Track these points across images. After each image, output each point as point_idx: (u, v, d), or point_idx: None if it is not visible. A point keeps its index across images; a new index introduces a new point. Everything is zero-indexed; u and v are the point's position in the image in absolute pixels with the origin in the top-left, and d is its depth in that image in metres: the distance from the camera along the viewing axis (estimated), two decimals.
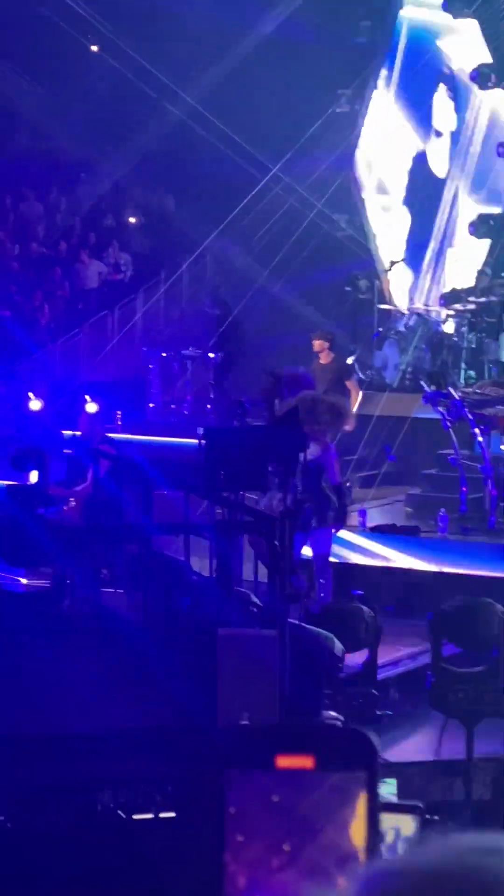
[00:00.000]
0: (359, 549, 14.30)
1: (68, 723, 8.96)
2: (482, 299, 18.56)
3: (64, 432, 17.41)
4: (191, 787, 8.55)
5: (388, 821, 3.61)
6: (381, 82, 21.52)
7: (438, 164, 21.57)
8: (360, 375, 18.56)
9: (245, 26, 22.03)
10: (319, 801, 1.37)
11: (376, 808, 1.39)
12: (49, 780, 8.74)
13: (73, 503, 13.84)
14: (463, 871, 1.15)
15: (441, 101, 21.52)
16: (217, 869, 1.32)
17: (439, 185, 21.54)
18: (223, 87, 20.70)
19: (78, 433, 15.38)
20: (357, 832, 1.38)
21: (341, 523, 13.07)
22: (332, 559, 13.12)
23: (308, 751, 1.38)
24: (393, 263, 20.36)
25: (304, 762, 1.37)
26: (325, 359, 16.04)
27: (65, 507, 13.87)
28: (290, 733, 1.39)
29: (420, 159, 21.58)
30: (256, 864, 1.33)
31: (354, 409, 15.26)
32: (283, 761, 1.37)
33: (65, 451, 15.65)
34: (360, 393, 16.15)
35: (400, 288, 20.83)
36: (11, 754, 8.72)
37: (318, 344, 16.03)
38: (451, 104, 21.49)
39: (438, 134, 21.53)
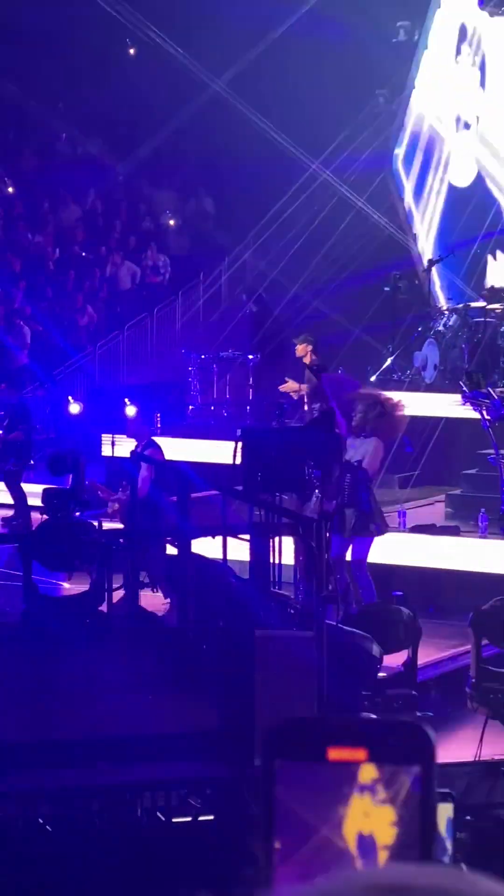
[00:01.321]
0: (399, 549, 14.24)
1: (107, 726, 8.94)
2: None
3: (104, 436, 17.42)
4: (230, 789, 8.52)
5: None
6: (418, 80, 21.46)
7: (462, 165, 21.42)
8: (400, 375, 18.55)
9: (282, 25, 22.00)
10: (372, 794, 1.34)
11: (432, 802, 1.35)
12: (86, 783, 8.73)
13: (116, 506, 13.83)
14: None
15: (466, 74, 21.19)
16: (267, 860, 1.29)
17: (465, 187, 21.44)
18: (262, 89, 20.67)
19: (123, 437, 15.39)
20: (411, 826, 1.35)
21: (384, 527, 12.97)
22: (372, 560, 13.04)
23: (361, 743, 1.34)
24: (431, 263, 20.31)
25: (357, 755, 1.34)
26: (308, 361, 16.23)
27: (108, 510, 13.87)
28: (342, 725, 1.36)
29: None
30: (308, 856, 1.31)
31: None
32: (335, 753, 1.34)
33: (117, 456, 15.66)
34: None
35: (439, 287, 20.75)
36: (50, 757, 8.72)
37: (301, 348, 16.37)
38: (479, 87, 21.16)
39: (466, 125, 21.32)
